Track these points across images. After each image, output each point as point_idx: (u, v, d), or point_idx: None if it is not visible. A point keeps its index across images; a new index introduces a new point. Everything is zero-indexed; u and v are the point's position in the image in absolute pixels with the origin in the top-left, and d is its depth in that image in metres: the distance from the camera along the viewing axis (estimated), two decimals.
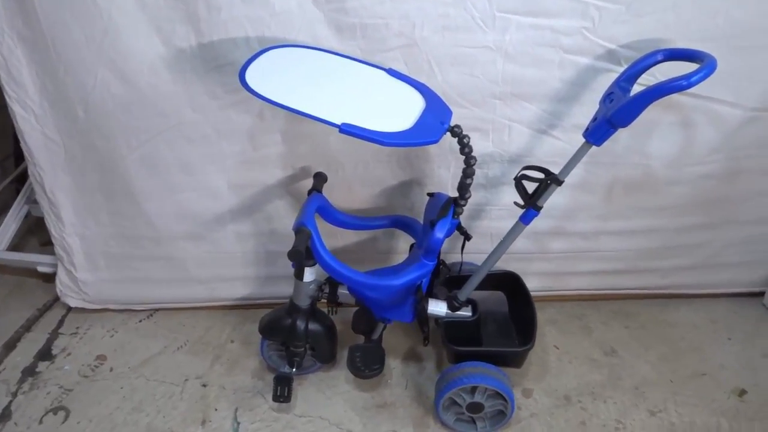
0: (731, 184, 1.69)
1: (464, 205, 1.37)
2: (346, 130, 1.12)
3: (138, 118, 1.58)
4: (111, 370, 1.74)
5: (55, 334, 1.89)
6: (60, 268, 1.89)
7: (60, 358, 1.79)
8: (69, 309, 1.98)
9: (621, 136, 1.29)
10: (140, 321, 1.94)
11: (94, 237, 1.81)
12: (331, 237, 1.74)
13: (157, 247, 1.82)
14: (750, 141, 1.60)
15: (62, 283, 1.91)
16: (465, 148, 1.26)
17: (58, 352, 1.81)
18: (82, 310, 1.95)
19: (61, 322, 1.94)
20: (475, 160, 1.28)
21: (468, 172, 1.30)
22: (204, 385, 1.67)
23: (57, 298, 1.97)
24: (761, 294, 1.94)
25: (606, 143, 1.26)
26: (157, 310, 1.98)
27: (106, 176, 1.69)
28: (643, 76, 1.34)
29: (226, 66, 1.49)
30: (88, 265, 1.86)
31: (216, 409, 1.59)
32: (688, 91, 1.12)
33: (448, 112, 1.29)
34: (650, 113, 1.19)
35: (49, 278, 2.00)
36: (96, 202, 1.75)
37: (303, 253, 1.30)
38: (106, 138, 1.61)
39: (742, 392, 1.60)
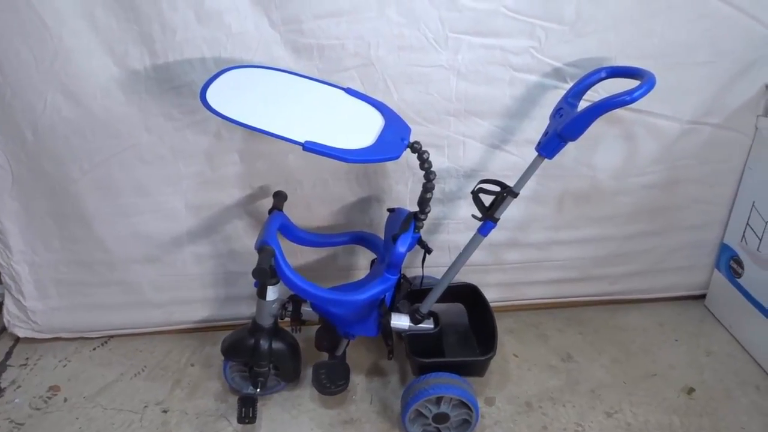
0: (671, 193, 1.79)
1: (424, 219, 1.40)
2: (310, 147, 1.14)
3: (90, 141, 1.55)
4: (65, 400, 1.67)
5: (2, 367, 1.80)
6: (7, 297, 1.82)
7: (9, 391, 1.71)
8: (17, 339, 1.90)
9: (569, 149, 1.36)
10: (94, 349, 1.88)
11: (44, 264, 1.75)
12: (292, 255, 1.74)
13: (111, 272, 1.77)
14: (686, 152, 1.71)
15: (10, 313, 1.83)
16: (425, 163, 1.29)
17: (7, 385, 1.73)
18: (32, 340, 1.88)
19: (9, 354, 1.86)
20: (435, 175, 1.32)
21: (428, 187, 1.33)
22: (165, 411, 1.63)
23: (4, 329, 1.89)
24: (702, 296, 2.04)
25: (556, 157, 1.32)
26: (111, 336, 1.92)
27: (56, 200, 1.64)
28: (588, 92, 1.42)
29: (182, 87, 1.49)
30: (37, 294, 1.80)
31: None
32: (630, 106, 1.19)
33: (407, 129, 1.33)
34: (595, 128, 1.26)
35: None
36: (46, 228, 1.69)
37: (267, 272, 1.30)
38: (56, 161, 1.58)
39: (691, 390, 1.68)
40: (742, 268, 1.81)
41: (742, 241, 1.80)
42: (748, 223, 1.76)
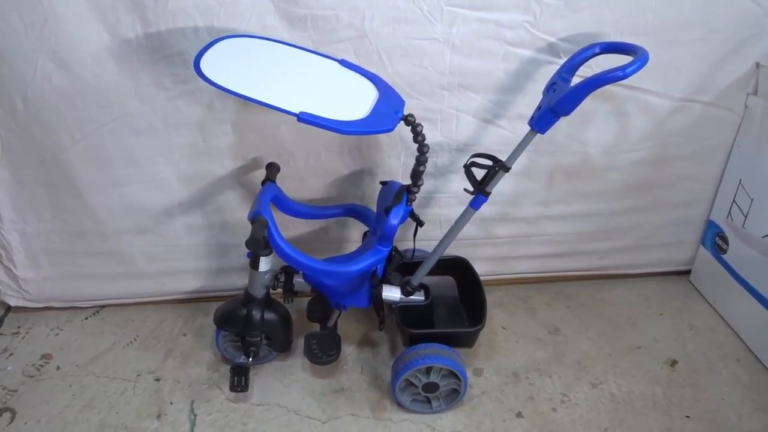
0: (660, 170, 1.81)
1: (417, 193, 1.41)
2: (305, 118, 1.14)
3: (81, 110, 1.53)
4: (58, 368, 1.69)
5: None
6: None
7: (2, 359, 1.72)
8: (9, 308, 1.91)
9: (561, 125, 1.36)
10: (86, 318, 1.89)
11: (36, 233, 1.75)
12: (284, 227, 1.75)
13: (102, 242, 1.77)
14: (676, 129, 1.73)
15: (1, 282, 1.83)
16: (418, 136, 1.30)
17: None
18: (23, 309, 1.88)
19: (0, 323, 1.86)
20: (428, 148, 1.32)
21: (421, 160, 1.34)
22: (157, 380, 1.65)
23: None
24: (687, 272, 2.08)
25: (548, 132, 1.32)
26: (103, 306, 1.93)
27: (47, 169, 1.63)
28: (581, 68, 1.42)
29: (175, 56, 1.47)
30: (29, 263, 1.80)
31: (171, 403, 1.58)
32: (622, 82, 1.20)
33: (401, 102, 1.33)
34: (588, 103, 1.26)
35: None
36: (37, 197, 1.68)
37: (261, 242, 1.31)
38: (47, 130, 1.56)
39: (674, 362, 1.72)
40: (727, 244, 1.84)
41: (727, 217, 1.83)
42: (734, 200, 1.79)
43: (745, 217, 1.74)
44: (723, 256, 1.87)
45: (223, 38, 1.30)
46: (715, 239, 1.91)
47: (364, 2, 1.44)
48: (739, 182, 1.76)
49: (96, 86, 1.50)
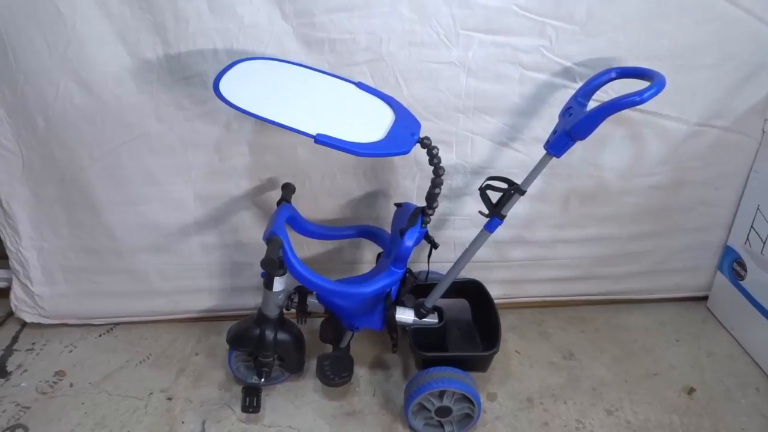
0: (676, 194, 1.80)
1: (432, 215, 1.41)
2: (322, 140, 1.15)
3: (101, 129, 1.56)
4: (71, 386, 1.69)
5: (9, 351, 1.82)
6: (15, 282, 1.83)
7: (16, 375, 1.73)
8: (24, 324, 1.92)
9: (577, 148, 1.36)
10: (100, 335, 1.90)
11: (53, 250, 1.77)
12: (298, 248, 1.74)
13: (118, 260, 1.79)
14: (693, 153, 1.72)
15: (17, 298, 1.85)
16: (434, 159, 1.30)
17: (14, 368, 1.75)
18: (38, 325, 1.89)
19: (15, 338, 1.88)
20: (444, 171, 1.33)
21: (437, 182, 1.34)
22: (169, 399, 1.65)
23: (11, 313, 1.90)
24: (705, 298, 2.05)
25: (563, 156, 1.32)
26: (117, 324, 1.94)
27: (66, 187, 1.65)
28: (597, 92, 1.43)
29: (194, 77, 1.49)
30: (45, 279, 1.81)
31: (183, 422, 1.57)
32: (638, 106, 1.19)
33: (417, 124, 1.34)
34: (603, 127, 1.26)
35: (2, 293, 1.93)
36: (55, 214, 1.71)
37: (276, 262, 1.32)
38: (67, 148, 1.59)
39: (691, 390, 1.69)
40: (745, 270, 1.82)
41: (745, 243, 1.81)
42: (752, 226, 1.77)
43: (764, 243, 1.72)
44: (741, 282, 1.84)
45: (242, 60, 1.33)
46: (732, 265, 1.88)
47: (381, 26, 1.46)
48: (758, 208, 1.74)
49: (116, 106, 1.53)
